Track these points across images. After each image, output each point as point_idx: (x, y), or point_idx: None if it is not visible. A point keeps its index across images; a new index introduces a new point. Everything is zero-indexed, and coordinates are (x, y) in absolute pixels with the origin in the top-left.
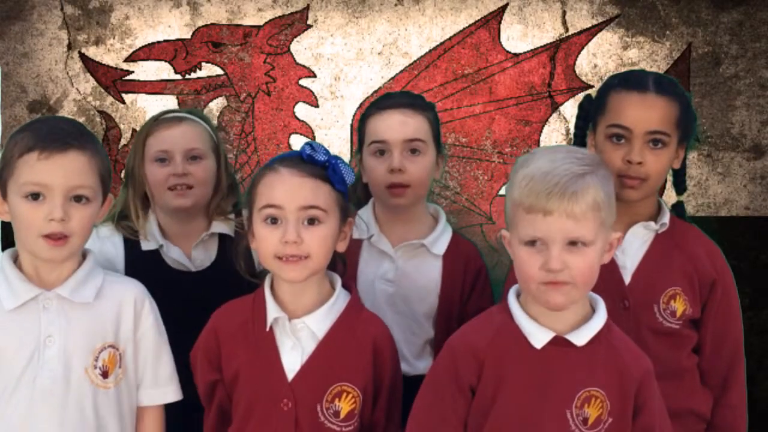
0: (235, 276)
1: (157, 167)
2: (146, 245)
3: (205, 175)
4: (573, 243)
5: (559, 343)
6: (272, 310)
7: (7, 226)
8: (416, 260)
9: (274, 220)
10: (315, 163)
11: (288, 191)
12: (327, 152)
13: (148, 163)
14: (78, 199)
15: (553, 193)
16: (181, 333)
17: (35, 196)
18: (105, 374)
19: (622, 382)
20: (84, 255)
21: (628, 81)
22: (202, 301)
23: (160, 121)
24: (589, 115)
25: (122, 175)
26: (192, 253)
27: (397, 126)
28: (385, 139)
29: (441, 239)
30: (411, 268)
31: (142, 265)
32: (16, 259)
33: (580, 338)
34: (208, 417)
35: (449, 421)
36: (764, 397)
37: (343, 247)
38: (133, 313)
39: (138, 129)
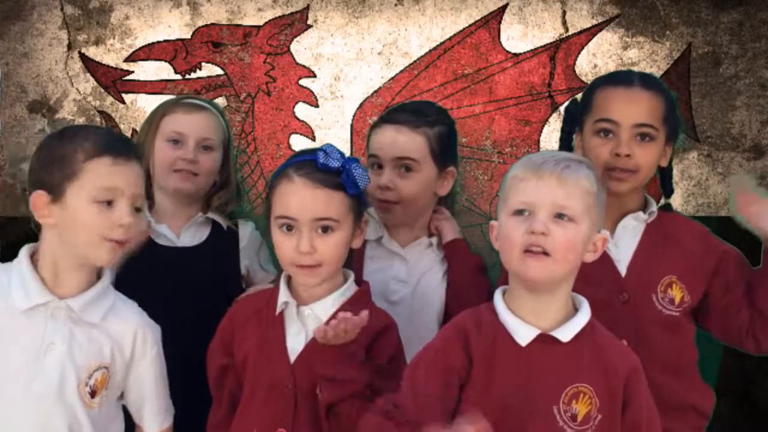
0: (220, 259)
1: (168, 147)
2: None
3: (212, 166)
4: (559, 216)
5: (544, 340)
6: (283, 296)
7: (5, 226)
8: (426, 260)
9: (289, 228)
10: (329, 170)
11: (301, 204)
12: (341, 156)
13: (160, 141)
14: (136, 208)
15: (548, 163)
16: (166, 310)
17: (108, 202)
18: (93, 394)
19: (609, 379)
20: (99, 274)
21: (614, 78)
22: (186, 275)
23: (180, 104)
24: (575, 118)
25: None
26: (182, 232)
27: (387, 143)
28: (377, 154)
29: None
30: (422, 268)
31: None
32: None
33: (565, 334)
34: (218, 407)
35: (431, 400)
36: (764, 397)
37: (358, 243)
38: (131, 344)
39: (138, 129)
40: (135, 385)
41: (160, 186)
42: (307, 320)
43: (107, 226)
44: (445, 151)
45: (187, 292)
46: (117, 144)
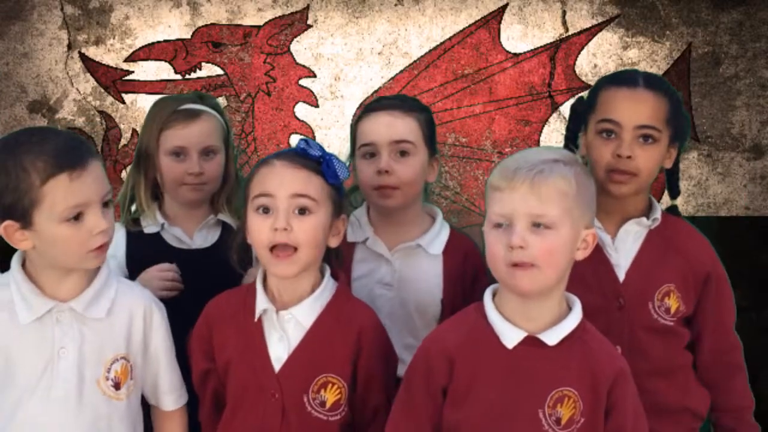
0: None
1: (173, 161)
2: (148, 229)
3: (218, 170)
4: (536, 224)
5: (530, 342)
6: (261, 302)
7: None
8: (414, 262)
9: (266, 210)
10: (309, 157)
11: (279, 180)
12: (322, 149)
13: (163, 154)
14: (105, 205)
15: (520, 170)
16: (180, 309)
17: (76, 217)
18: (117, 386)
19: (595, 382)
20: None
21: (618, 78)
22: (202, 277)
23: (176, 114)
24: (581, 116)
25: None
26: (195, 234)
27: (383, 127)
28: (373, 141)
29: (438, 239)
30: (409, 271)
31: (143, 246)
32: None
33: (551, 338)
34: (203, 406)
35: (420, 422)
36: (765, 397)
37: (335, 243)
38: (142, 325)
39: (138, 129)
40: (151, 361)
41: (171, 198)
42: (287, 325)
43: (84, 240)
44: (433, 137)
45: (201, 293)
46: (69, 155)
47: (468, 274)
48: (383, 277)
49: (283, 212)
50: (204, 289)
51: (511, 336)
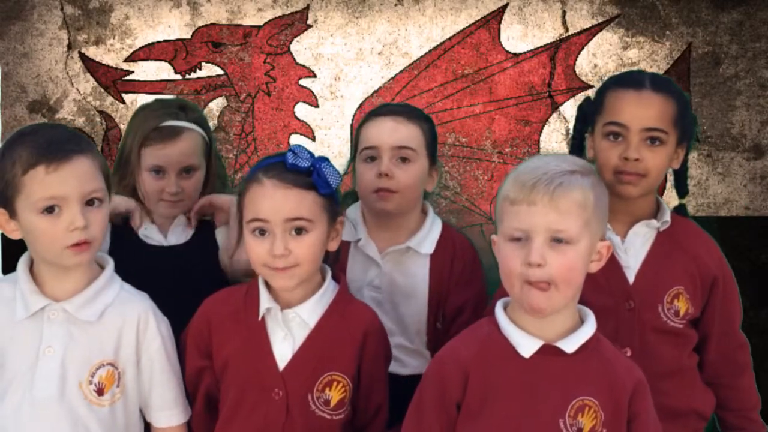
0: (207, 255)
1: (151, 178)
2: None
3: (197, 186)
4: (556, 240)
5: (548, 351)
6: (265, 301)
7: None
8: (402, 266)
9: (262, 232)
10: (298, 170)
11: (273, 205)
12: (311, 156)
13: (143, 170)
14: (91, 203)
15: (539, 184)
16: (162, 309)
17: (50, 210)
18: (100, 391)
19: (615, 393)
20: (102, 265)
21: (625, 80)
22: (175, 274)
23: (158, 131)
24: (588, 117)
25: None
26: (169, 232)
27: (387, 132)
28: (375, 144)
29: (428, 237)
30: (398, 274)
31: (115, 240)
32: (31, 265)
33: (569, 345)
34: (193, 405)
35: None
36: (765, 397)
37: (334, 246)
38: (135, 334)
39: None
40: (143, 373)
41: (148, 208)
42: (292, 324)
43: (61, 234)
44: (434, 147)
45: (175, 290)
46: (50, 148)
47: (456, 269)
48: (372, 280)
49: (280, 236)
50: (178, 285)
51: (527, 345)
